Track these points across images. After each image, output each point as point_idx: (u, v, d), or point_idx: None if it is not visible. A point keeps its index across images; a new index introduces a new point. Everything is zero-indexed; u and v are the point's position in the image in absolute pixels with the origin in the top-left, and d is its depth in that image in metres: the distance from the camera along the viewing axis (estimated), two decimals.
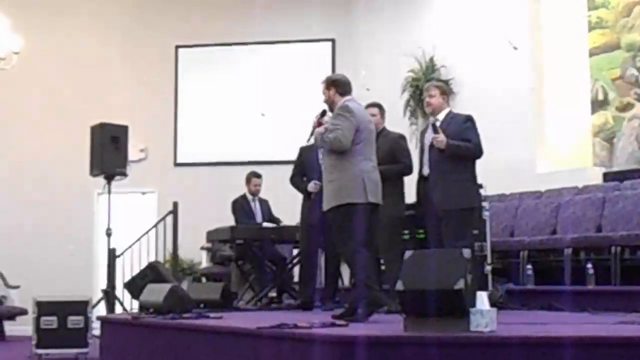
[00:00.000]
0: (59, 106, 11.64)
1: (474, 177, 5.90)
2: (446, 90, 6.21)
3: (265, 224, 8.01)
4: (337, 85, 5.30)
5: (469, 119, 5.94)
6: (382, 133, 6.29)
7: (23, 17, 10.34)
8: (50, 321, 7.33)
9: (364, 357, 3.57)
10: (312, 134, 5.55)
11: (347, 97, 5.28)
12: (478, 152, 5.87)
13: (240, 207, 8.18)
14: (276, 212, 8.37)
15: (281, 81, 11.48)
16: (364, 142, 5.17)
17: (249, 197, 8.27)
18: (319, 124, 5.51)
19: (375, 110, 6.34)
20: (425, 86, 6.43)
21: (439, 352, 3.52)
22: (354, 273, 5.12)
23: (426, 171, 5.93)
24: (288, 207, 7.80)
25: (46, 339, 7.29)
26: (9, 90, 11.39)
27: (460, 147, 5.78)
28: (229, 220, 8.13)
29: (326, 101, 5.37)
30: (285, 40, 11.53)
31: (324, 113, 5.51)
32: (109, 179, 8.09)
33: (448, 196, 5.68)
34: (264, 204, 8.35)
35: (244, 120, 11.43)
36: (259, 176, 8.35)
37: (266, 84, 11.48)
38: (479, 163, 5.96)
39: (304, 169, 6.91)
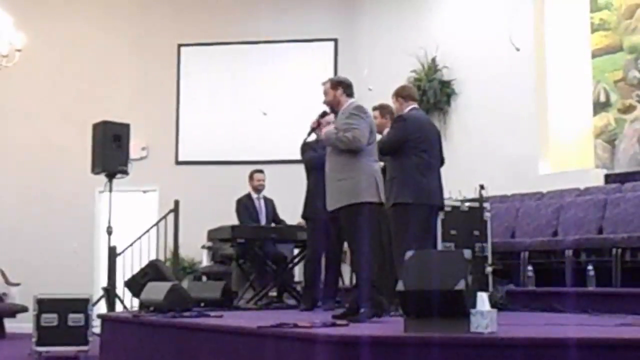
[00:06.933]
0: (61, 104, 11.66)
1: (412, 171, 5.60)
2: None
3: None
4: (344, 86, 5.35)
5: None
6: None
7: (25, 14, 10.35)
8: (51, 319, 7.32)
9: (365, 357, 3.57)
10: (309, 134, 5.62)
11: (352, 99, 5.34)
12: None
13: (244, 207, 8.08)
14: (278, 210, 8.32)
15: (283, 80, 11.47)
16: (374, 144, 5.28)
17: (254, 195, 8.16)
18: (318, 123, 5.52)
19: (376, 113, 6.27)
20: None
21: (439, 352, 3.52)
22: (359, 272, 5.07)
23: None
24: (289, 206, 7.79)
25: (46, 337, 7.28)
26: (11, 87, 11.41)
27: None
28: (230, 219, 8.10)
29: (329, 101, 5.39)
30: (288, 40, 11.52)
31: (324, 114, 5.52)
32: (111, 177, 8.08)
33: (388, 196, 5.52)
34: (269, 203, 8.21)
35: (246, 119, 11.43)
36: (261, 171, 8.28)
37: (268, 83, 11.47)
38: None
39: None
